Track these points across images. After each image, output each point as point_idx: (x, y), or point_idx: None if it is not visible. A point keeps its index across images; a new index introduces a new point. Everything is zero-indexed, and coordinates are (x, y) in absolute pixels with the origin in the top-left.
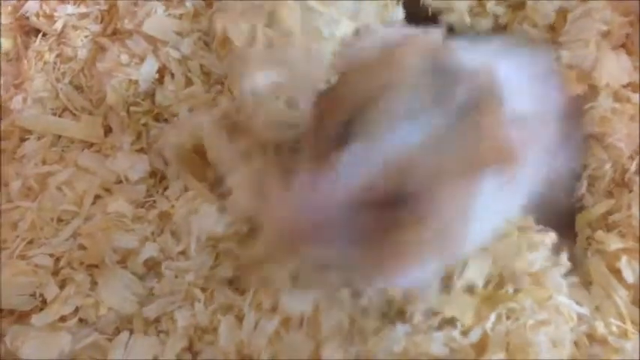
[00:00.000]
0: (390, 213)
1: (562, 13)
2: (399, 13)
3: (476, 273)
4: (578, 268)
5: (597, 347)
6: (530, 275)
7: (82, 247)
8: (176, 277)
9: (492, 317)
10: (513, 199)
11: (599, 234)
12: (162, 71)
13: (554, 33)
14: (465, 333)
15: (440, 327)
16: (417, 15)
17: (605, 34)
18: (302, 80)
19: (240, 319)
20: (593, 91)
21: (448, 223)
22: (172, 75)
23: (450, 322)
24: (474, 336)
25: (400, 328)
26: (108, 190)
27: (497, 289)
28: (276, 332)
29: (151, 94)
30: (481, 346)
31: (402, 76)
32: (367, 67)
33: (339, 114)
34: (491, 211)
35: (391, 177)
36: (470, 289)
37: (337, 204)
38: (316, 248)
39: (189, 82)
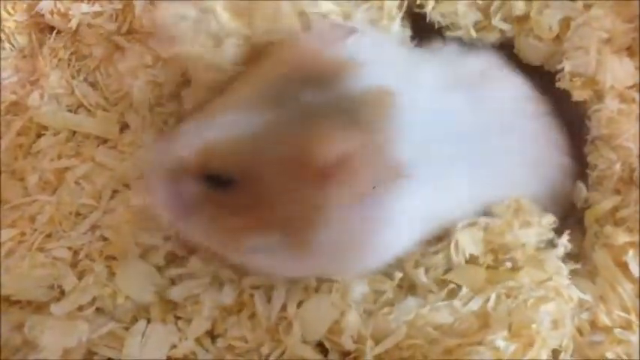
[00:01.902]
0: (220, 193)
1: (566, 23)
2: (396, 26)
3: (469, 243)
4: (585, 262)
5: (599, 335)
6: (528, 257)
7: (103, 239)
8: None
9: (493, 296)
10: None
11: (607, 229)
12: (186, 74)
13: (559, 44)
14: (465, 303)
15: (445, 298)
16: (423, 30)
17: (607, 41)
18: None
19: (269, 297)
20: (598, 94)
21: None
22: None
23: (454, 293)
24: (475, 305)
25: (411, 300)
26: (127, 186)
27: (496, 263)
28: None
29: (176, 96)
30: (483, 317)
31: (260, 72)
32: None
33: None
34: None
35: (216, 156)
36: (471, 261)
37: (166, 163)
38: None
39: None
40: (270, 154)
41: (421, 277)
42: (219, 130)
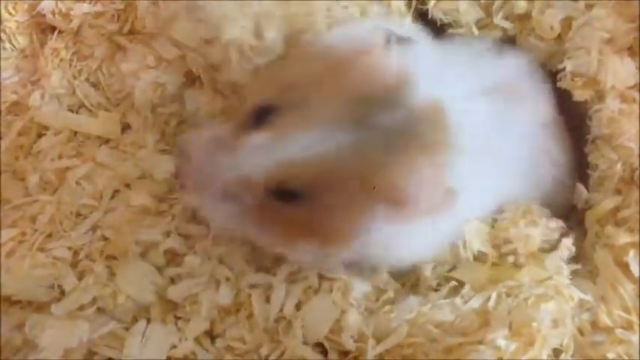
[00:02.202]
0: (280, 203)
1: (567, 22)
2: (408, 22)
3: (476, 239)
4: (586, 263)
5: (600, 335)
6: (530, 254)
7: (104, 239)
8: (202, 261)
9: (493, 295)
10: (417, 239)
11: (608, 229)
12: (189, 75)
13: (561, 43)
14: (466, 301)
15: (447, 296)
16: (425, 27)
17: (608, 41)
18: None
19: (267, 297)
20: (599, 94)
21: (333, 232)
22: (200, 81)
23: (455, 291)
24: (476, 303)
25: (413, 299)
26: (127, 186)
27: (500, 259)
28: (305, 296)
29: (178, 97)
30: (483, 316)
31: (337, 92)
32: (316, 63)
33: (265, 93)
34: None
35: (290, 173)
36: (476, 257)
37: (228, 177)
38: (201, 203)
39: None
40: (345, 175)
41: (427, 272)
42: (297, 148)
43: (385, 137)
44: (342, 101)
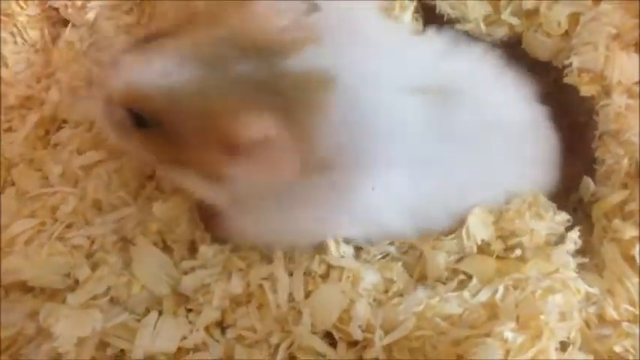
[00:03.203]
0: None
1: (575, 18)
2: (408, 16)
3: (479, 227)
4: (593, 256)
5: (607, 328)
6: (536, 247)
7: (122, 230)
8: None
9: (500, 288)
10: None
11: (616, 223)
12: None
13: (568, 39)
14: (474, 294)
15: (455, 289)
16: (433, 23)
17: (615, 37)
18: None
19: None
20: (606, 90)
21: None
22: None
23: (463, 284)
24: (483, 296)
25: (421, 292)
26: (150, 178)
27: (505, 252)
28: (315, 285)
29: None
30: (491, 308)
31: (214, 26)
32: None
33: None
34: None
35: (140, 96)
36: (482, 249)
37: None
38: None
39: None
40: (193, 108)
41: (437, 259)
42: (149, 73)
43: (236, 83)
44: (207, 37)
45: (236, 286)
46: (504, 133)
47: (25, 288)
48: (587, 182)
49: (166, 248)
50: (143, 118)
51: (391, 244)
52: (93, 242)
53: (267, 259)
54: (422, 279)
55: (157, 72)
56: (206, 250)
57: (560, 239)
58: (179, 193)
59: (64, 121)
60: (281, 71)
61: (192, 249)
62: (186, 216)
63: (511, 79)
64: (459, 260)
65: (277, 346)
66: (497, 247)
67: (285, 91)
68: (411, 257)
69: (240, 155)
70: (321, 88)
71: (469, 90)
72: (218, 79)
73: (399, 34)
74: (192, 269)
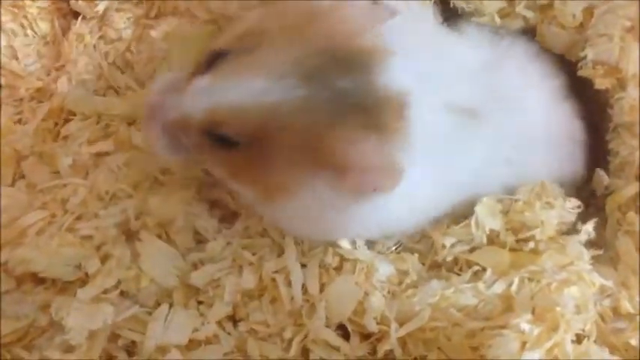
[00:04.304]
0: (216, 146)
1: (589, 11)
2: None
3: (488, 217)
4: (607, 249)
5: (622, 322)
6: (549, 238)
7: (131, 222)
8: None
9: (516, 280)
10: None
11: (630, 215)
12: None
13: (582, 32)
14: (489, 286)
15: (469, 281)
16: (448, 15)
17: (630, 29)
18: None
19: (289, 281)
20: (621, 82)
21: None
22: None
23: (478, 275)
24: (499, 288)
25: (435, 283)
26: (163, 172)
27: (518, 244)
28: (329, 278)
29: None
30: (506, 300)
31: (295, 43)
32: (283, 10)
33: (223, 39)
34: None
35: (227, 117)
36: (492, 239)
37: (171, 115)
38: (149, 137)
39: None
40: (287, 130)
41: (448, 245)
42: (237, 92)
43: (337, 100)
44: (298, 53)
45: (248, 280)
46: (540, 140)
47: (37, 279)
48: (601, 175)
49: (170, 240)
50: (225, 139)
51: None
52: (102, 234)
53: (278, 251)
54: (434, 267)
55: (254, 90)
56: (214, 245)
57: (572, 228)
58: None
59: (72, 114)
60: (369, 87)
61: (197, 239)
62: (184, 209)
63: (542, 74)
64: (472, 250)
65: (290, 340)
66: (509, 239)
67: (373, 109)
68: (424, 246)
69: (341, 176)
70: (400, 105)
71: (510, 97)
72: (321, 95)
73: (450, 39)
74: (201, 262)
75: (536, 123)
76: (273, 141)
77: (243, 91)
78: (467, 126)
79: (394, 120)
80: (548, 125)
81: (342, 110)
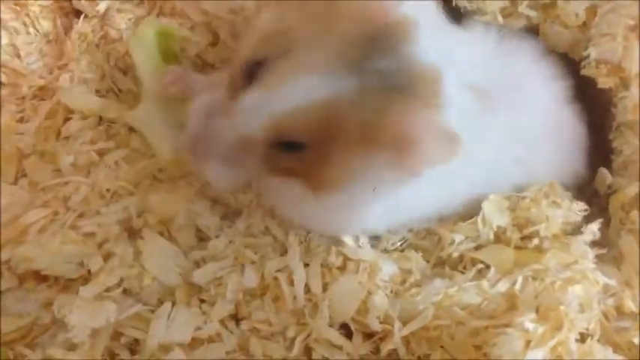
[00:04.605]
0: (283, 155)
1: (592, 11)
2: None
3: (495, 214)
4: (610, 248)
5: (626, 321)
6: (553, 236)
7: (132, 220)
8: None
9: (519, 279)
10: (429, 194)
11: (633, 214)
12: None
13: (585, 31)
14: (493, 284)
15: (473, 279)
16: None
17: (633, 28)
18: None
19: (291, 280)
20: (624, 81)
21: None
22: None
23: (481, 274)
24: (502, 286)
25: (439, 282)
26: (161, 170)
27: (523, 241)
28: (332, 277)
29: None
30: (510, 299)
31: (328, 33)
32: (306, 11)
33: (254, 48)
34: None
35: (288, 125)
36: (499, 237)
37: (227, 140)
38: (205, 170)
39: None
40: (345, 120)
41: (455, 241)
42: (291, 98)
43: (382, 83)
44: (335, 43)
45: (250, 279)
46: (542, 132)
47: (40, 277)
48: (604, 174)
49: (172, 238)
50: (291, 146)
51: (409, 230)
52: (104, 231)
53: (280, 249)
54: (439, 264)
55: (308, 91)
56: (216, 243)
57: (577, 229)
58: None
59: (72, 112)
60: (406, 63)
61: (199, 237)
62: (185, 207)
63: (547, 73)
64: (477, 248)
65: (293, 339)
66: (514, 235)
67: (414, 84)
68: (429, 242)
69: (405, 152)
70: (435, 77)
71: (513, 88)
72: (368, 80)
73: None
74: (203, 260)
75: (541, 121)
76: (336, 135)
77: (298, 94)
78: (486, 110)
79: (434, 94)
80: (553, 124)
81: (390, 91)
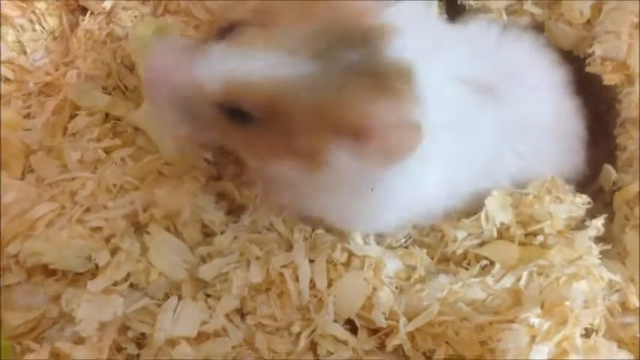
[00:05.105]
0: (239, 125)
1: (597, 8)
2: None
3: (498, 211)
4: (615, 244)
5: (630, 316)
6: (558, 232)
7: (139, 215)
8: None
9: (524, 274)
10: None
11: (638, 210)
12: None
13: (590, 29)
14: (497, 280)
15: (477, 275)
16: (455, 13)
17: (637, 26)
18: None
19: (296, 276)
20: (629, 78)
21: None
22: None
23: (486, 270)
24: (507, 282)
25: (444, 277)
26: (167, 164)
27: (526, 238)
28: (337, 273)
29: None
30: (515, 295)
31: (305, 20)
32: None
33: (234, 10)
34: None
35: (243, 90)
36: (502, 233)
37: (184, 87)
38: (159, 110)
39: None
40: (305, 101)
41: (458, 238)
42: (254, 66)
43: (347, 73)
44: (308, 28)
45: (255, 275)
46: (541, 126)
47: (48, 271)
48: (609, 170)
49: (178, 233)
50: (241, 113)
51: (413, 227)
52: (111, 227)
53: (285, 245)
54: (443, 261)
55: (267, 65)
56: (222, 239)
57: (581, 223)
58: (183, 178)
59: (78, 108)
60: (379, 58)
61: (204, 232)
62: (190, 201)
63: (549, 68)
64: (480, 245)
65: (299, 334)
66: (518, 232)
67: (384, 76)
68: (433, 239)
69: (363, 140)
70: (409, 73)
71: (514, 81)
72: (331, 70)
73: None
74: (209, 255)
75: (542, 115)
76: (289, 116)
77: (257, 64)
78: (485, 103)
79: (402, 82)
80: (553, 118)
81: (351, 79)
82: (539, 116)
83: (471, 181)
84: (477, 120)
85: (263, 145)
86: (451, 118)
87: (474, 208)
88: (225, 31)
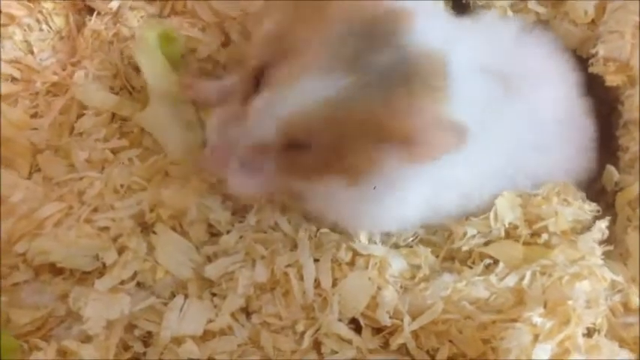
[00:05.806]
0: (297, 156)
1: (601, 8)
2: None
3: (507, 210)
4: (617, 245)
5: (633, 317)
6: (563, 234)
7: (146, 215)
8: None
9: (528, 274)
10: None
11: None
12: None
13: (594, 29)
14: (501, 278)
15: (481, 274)
16: (460, 11)
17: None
18: None
19: (301, 275)
20: (631, 79)
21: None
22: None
23: (489, 268)
24: (511, 281)
25: (447, 276)
26: (174, 165)
27: (532, 236)
28: (341, 272)
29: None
30: (518, 294)
31: (323, 32)
32: (300, 12)
33: (258, 54)
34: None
35: (297, 126)
36: (509, 233)
37: (243, 146)
38: (226, 177)
39: None
40: (350, 117)
41: (466, 236)
42: (297, 100)
43: (382, 78)
44: (331, 41)
45: (260, 274)
46: (557, 124)
47: (55, 270)
48: (611, 171)
49: (184, 232)
50: (303, 145)
51: (421, 225)
52: (118, 226)
53: (290, 245)
54: (448, 259)
55: (306, 93)
56: (228, 238)
57: (586, 228)
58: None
59: (85, 108)
60: (405, 53)
61: (210, 232)
62: (196, 201)
63: (566, 66)
64: (487, 244)
65: (303, 333)
66: (524, 231)
67: (416, 74)
68: (439, 237)
69: (412, 145)
70: (439, 64)
71: (533, 77)
72: (367, 76)
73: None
74: (215, 255)
75: (558, 113)
76: (343, 132)
77: (300, 95)
78: (508, 95)
79: (438, 79)
80: (568, 117)
81: (389, 85)
82: (556, 114)
83: (486, 182)
84: (500, 114)
85: (317, 168)
86: (477, 112)
87: (482, 210)
88: (257, 76)
